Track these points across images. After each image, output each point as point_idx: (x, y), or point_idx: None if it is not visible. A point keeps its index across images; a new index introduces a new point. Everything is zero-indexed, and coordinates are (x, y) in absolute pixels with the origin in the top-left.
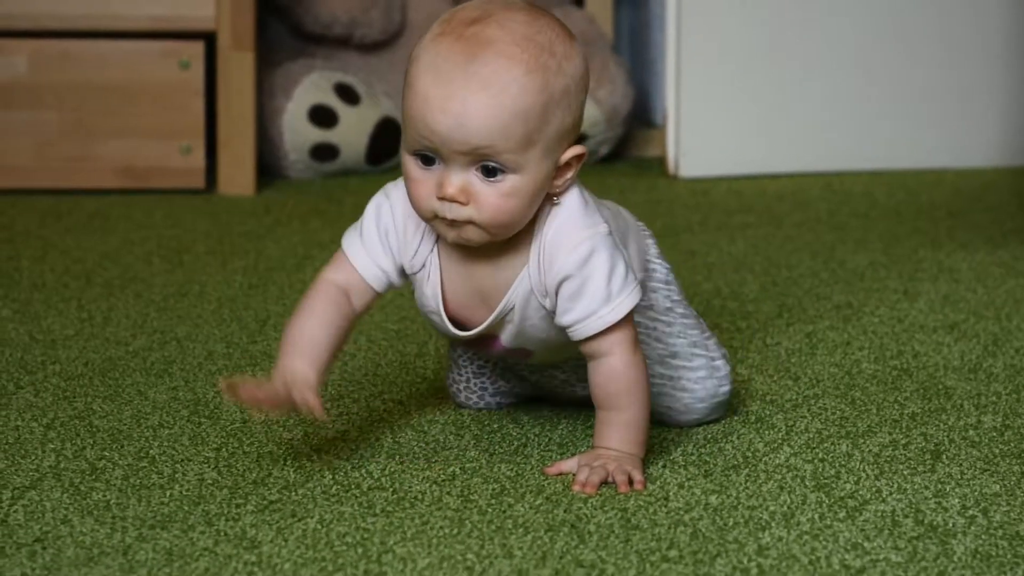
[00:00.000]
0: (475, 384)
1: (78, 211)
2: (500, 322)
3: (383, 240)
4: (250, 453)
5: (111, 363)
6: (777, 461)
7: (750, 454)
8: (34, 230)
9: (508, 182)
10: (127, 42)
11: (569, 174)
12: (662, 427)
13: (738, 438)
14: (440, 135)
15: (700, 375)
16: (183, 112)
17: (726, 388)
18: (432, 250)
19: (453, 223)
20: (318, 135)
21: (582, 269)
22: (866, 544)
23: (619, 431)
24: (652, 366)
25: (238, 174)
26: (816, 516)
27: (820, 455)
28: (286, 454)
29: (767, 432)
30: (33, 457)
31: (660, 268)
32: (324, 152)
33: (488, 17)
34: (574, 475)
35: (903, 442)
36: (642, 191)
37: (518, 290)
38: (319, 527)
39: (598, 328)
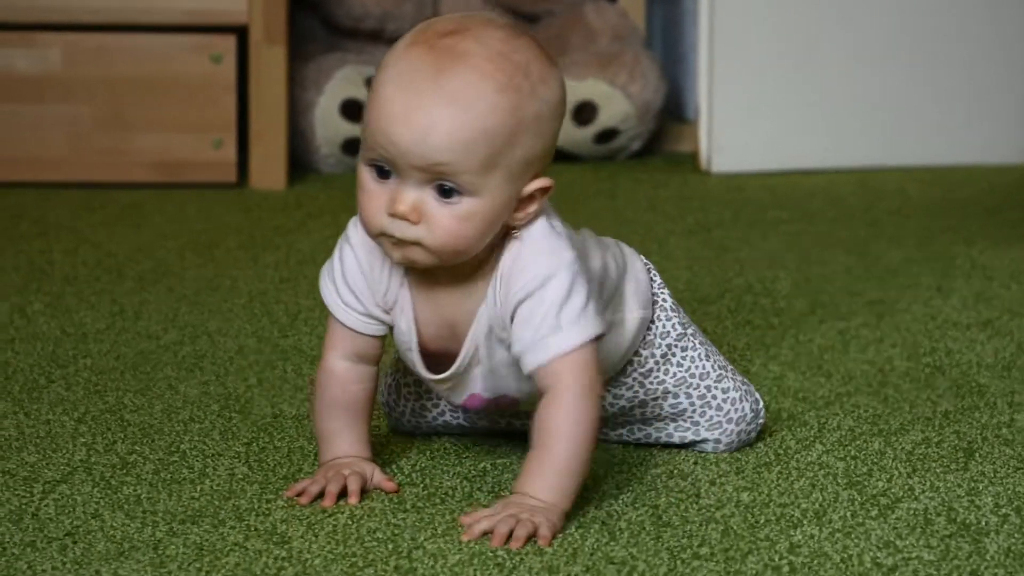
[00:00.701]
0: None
1: (110, 205)
2: (469, 367)
3: (350, 286)
4: (280, 448)
5: (142, 357)
6: (809, 458)
7: (782, 451)
8: (66, 223)
9: (464, 205)
10: (160, 36)
11: (532, 207)
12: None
13: (770, 435)
14: (399, 148)
15: (733, 396)
16: (215, 106)
17: (760, 415)
18: (402, 284)
19: (400, 242)
20: (350, 129)
21: (536, 293)
22: (898, 542)
23: (543, 476)
24: (673, 388)
25: (270, 168)
26: (848, 514)
27: (852, 452)
28: (315, 449)
29: (799, 429)
30: (64, 451)
31: (666, 298)
32: (356, 146)
33: (465, 31)
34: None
35: (936, 440)
36: (674, 187)
37: (479, 328)
38: (349, 522)
39: (544, 359)
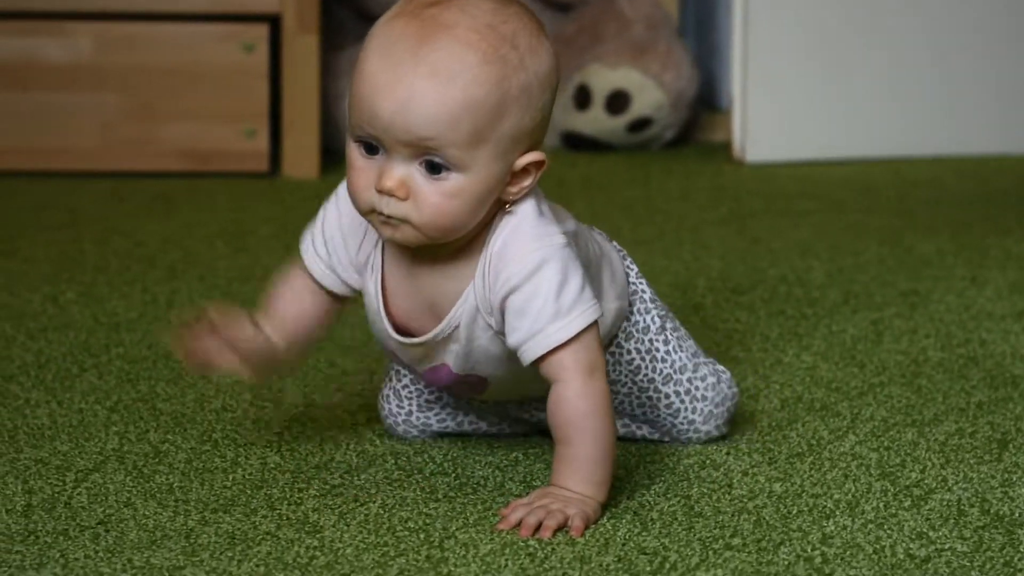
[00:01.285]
0: (418, 419)
1: (141, 194)
2: (445, 340)
3: (328, 240)
4: (313, 437)
5: None
6: (842, 449)
7: (815, 442)
8: (97, 213)
9: (452, 181)
10: (191, 25)
11: (526, 182)
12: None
13: (803, 425)
14: (382, 121)
15: (711, 381)
16: (247, 95)
17: (735, 389)
18: (376, 246)
19: (389, 219)
20: None
21: (529, 281)
22: (931, 533)
23: (569, 468)
24: (663, 387)
25: (302, 157)
26: (881, 505)
27: (885, 443)
28: (349, 439)
29: (832, 420)
30: (97, 440)
31: (646, 288)
32: None
33: (448, 2)
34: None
35: (969, 431)
36: (707, 176)
37: (464, 307)
38: (381, 512)
39: (545, 348)
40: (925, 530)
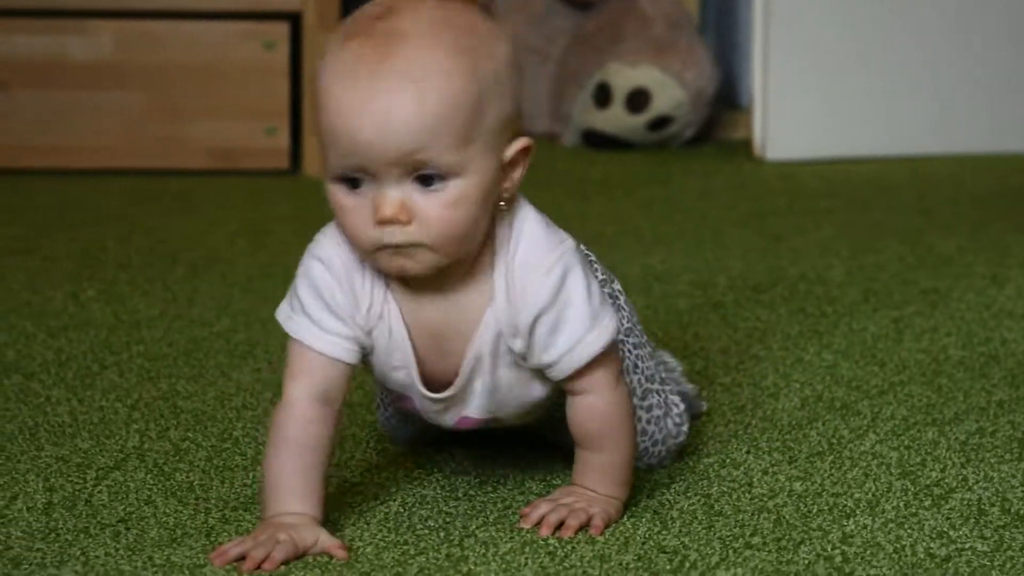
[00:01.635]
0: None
1: (163, 192)
2: (471, 377)
3: (330, 305)
4: None
5: (195, 344)
6: (862, 448)
7: (835, 441)
8: (119, 211)
9: (452, 188)
10: (212, 23)
11: (518, 172)
12: (742, 413)
13: (823, 424)
14: (364, 145)
15: (656, 414)
16: (268, 93)
17: (684, 428)
18: (386, 297)
19: (399, 249)
20: None
21: (559, 295)
22: (952, 533)
23: (597, 472)
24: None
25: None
26: (901, 504)
27: (906, 442)
28: (369, 436)
29: (852, 419)
30: (117, 438)
31: (617, 295)
32: None
33: (395, 11)
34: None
35: (990, 430)
36: (727, 174)
37: (485, 336)
38: (401, 510)
39: (584, 359)
40: (945, 529)
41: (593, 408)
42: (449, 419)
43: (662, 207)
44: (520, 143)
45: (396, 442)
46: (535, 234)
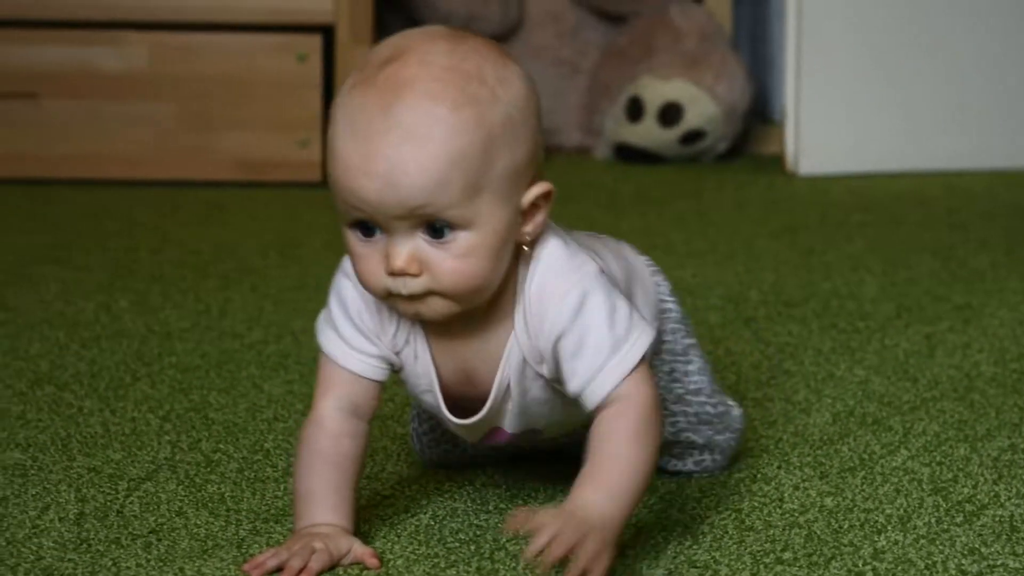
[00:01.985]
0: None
1: (195, 203)
2: (499, 406)
3: (357, 325)
4: None
5: (227, 356)
6: (894, 464)
7: (867, 456)
8: (151, 221)
9: (461, 241)
10: (245, 35)
11: (539, 217)
12: (774, 428)
13: (855, 440)
14: (370, 202)
15: (720, 410)
16: (300, 105)
17: (741, 427)
18: (413, 324)
19: (411, 298)
20: None
21: (577, 319)
22: (983, 549)
23: (604, 486)
24: (669, 405)
25: None
26: (933, 520)
27: (938, 458)
28: (400, 449)
29: (884, 434)
30: (149, 449)
31: (675, 307)
32: None
33: (404, 54)
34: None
35: (1023, 446)
36: (760, 189)
37: (510, 363)
38: (432, 523)
39: (612, 384)
40: (977, 546)
41: (616, 426)
42: (477, 437)
43: (694, 221)
44: (538, 189)
45: (424, 460)
46: (552, 262)
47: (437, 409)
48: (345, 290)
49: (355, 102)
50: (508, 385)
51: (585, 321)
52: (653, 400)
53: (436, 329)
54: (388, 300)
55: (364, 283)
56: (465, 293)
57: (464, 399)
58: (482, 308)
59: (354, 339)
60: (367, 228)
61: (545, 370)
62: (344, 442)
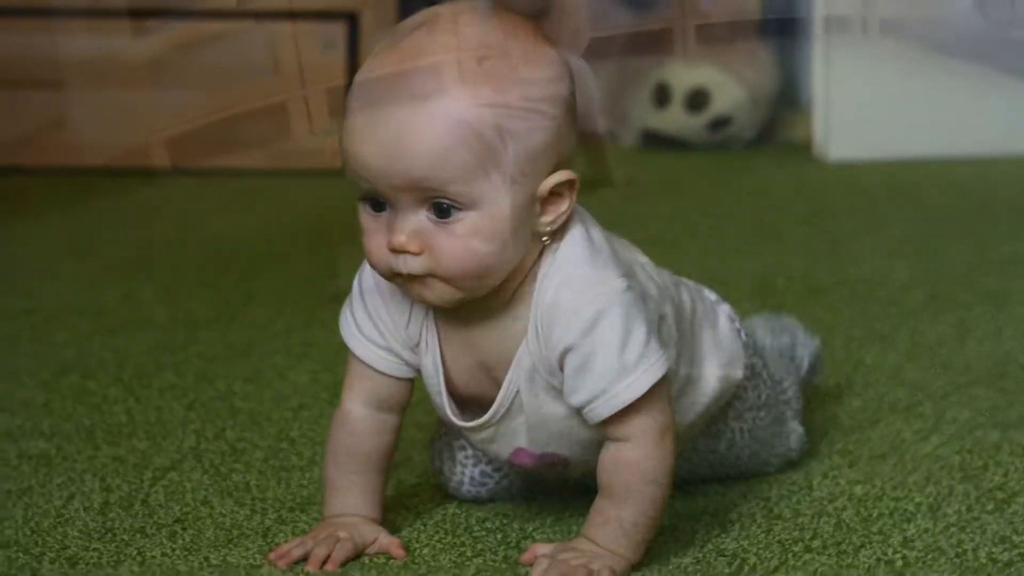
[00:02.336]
0: (468, 491)
1: (221, 191)
2: (509, 414)
3: (375, 320)
4: None
5: (252, 344)
6: (924, 451)
7: (897, 443)
8: (177, 209)
9: (465, 222)
10: (270, 23)
11: (561, 207)
12: (803, 415)
13: (885, 426)
14: (372, 170)
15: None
16: (325, 93)
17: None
18: (427, 315)
19: (411, 279)
20: None
21: (587, 337)
22: (1015, 537)
23: (611, 527)
24: (759, 412)
25: None
26: (963, 508)
27: (968, 445)
28: (426, 438)
29: (915, 421)
30: (174, 438)
31: (765, 366)
32: None
33: (430, 23)
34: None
35: None
36: (788, 174)
37: (520, 367)
38: (458, 512)
39: (612, 409)
40: (1008, 534)
41: (623, 458)
42: (502, 451)
43: (721, 208)
44: (558, 176)
45: (440, 481)
46: (573, 272)
47: (442, 408)
48: (367, 284)
49: (374, 66)
50: (518, 391)
51: (595, 341)
52: (661, 433)
53: (448, 317)
54: (394, 280)
55: (370, 260)
56: (464, 277)
57: (473, 401)
58: (498, 305)
59: (373, 335)
60: (377, 203)
61: (557, 382)
62: (371, 441)
